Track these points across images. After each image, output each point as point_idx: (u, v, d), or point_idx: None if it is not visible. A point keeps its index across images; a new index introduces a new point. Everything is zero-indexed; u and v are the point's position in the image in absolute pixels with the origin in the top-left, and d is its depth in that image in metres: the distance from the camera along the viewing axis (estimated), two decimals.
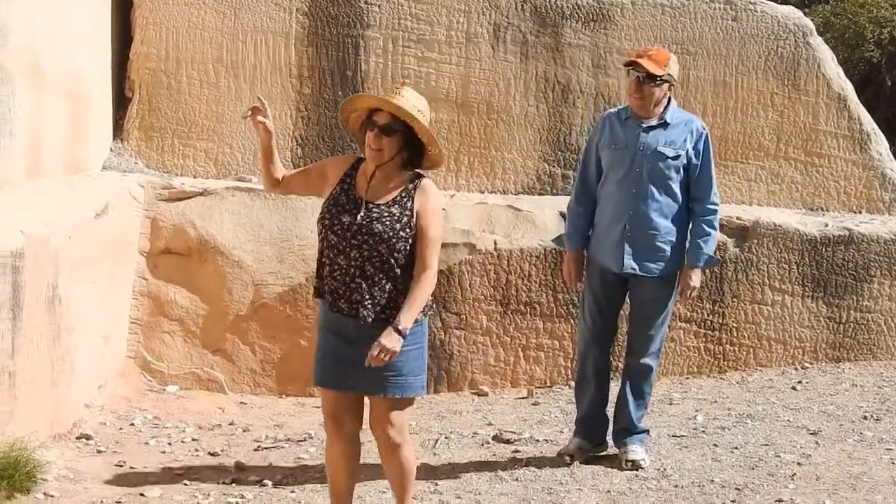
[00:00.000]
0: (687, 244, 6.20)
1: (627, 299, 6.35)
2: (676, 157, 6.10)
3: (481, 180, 8.47)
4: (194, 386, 7.73)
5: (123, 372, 7.60)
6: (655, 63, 6.00)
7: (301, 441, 6.83)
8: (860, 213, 8.67)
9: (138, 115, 8.23)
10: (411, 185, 4.77)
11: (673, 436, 6.76)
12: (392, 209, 4.70)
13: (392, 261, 4.67)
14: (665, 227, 6.12)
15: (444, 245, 7.66)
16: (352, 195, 4.77)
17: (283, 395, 7.79)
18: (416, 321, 4.71)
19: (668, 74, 6.06)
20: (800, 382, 7.85)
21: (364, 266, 4.66)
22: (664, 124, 6.14)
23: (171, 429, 6.99)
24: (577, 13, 8.49)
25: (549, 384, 7.96)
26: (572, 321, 7.79)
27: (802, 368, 8.17)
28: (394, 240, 4.65)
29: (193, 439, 6.83)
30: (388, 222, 4.66)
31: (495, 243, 7.95)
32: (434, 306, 5.36)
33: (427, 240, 4.72)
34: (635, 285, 6.21)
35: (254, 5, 8.28)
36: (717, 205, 6.24)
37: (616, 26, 8.51)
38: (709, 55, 8.57)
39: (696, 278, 6.19)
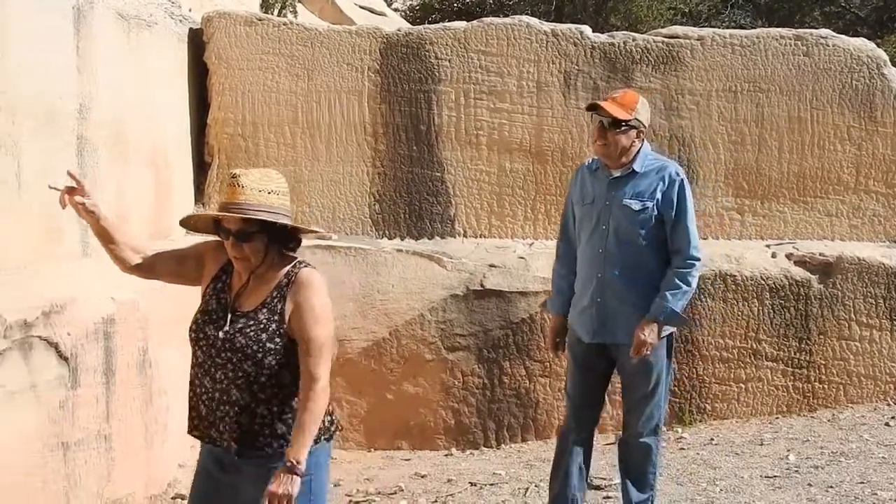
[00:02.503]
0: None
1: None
2: (643, 210, 5.37)
3: (558, 228, 8.48)
4: None
5: None
6: (620, 106, 5.38)
7: (392, 494, 6.86)
8: None
9: (218, 180, 8.39)
10: (285, 280, 3.82)
11: (766, 477, 6.68)
12: (259, 315, 3.79)
13: (263, 380, 3.74)
14: (635, 290, 5.40)
15: (524, 293, 7.81)
16: (223, 299, 3.89)
17: (372, 449, 7.84)
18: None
19: (636, 119, 5.39)
20: (893, 418, 7.72)
21: (230, 389, 3.76)
22: (632, 174, 5.44)
23: None
24: (646, 57, 8.53)
25: None
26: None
27: (895, 404, 8.04)
28: (259, 354, 3.72)
29: None
30: (251, 333, 3.75)
31: None
32: (336, 422, 4.14)
33: (307, 344, 3.75)
34: (616, 354, 5.50)
35: (326, 66, 8.42)
36: (696, 258, 5.39)
37: (686, 67, 8.53)
38: (782, 92, 8.55)
39: (649, 332, 5.30)
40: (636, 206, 5.38)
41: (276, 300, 3.78)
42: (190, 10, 8.47)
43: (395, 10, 17.67)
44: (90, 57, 6.33)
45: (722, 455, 7.16)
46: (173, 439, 6.86)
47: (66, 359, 5.41)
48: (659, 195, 5.39)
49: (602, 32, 9.03)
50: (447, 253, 8.09)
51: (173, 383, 6.82)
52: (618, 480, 6.07)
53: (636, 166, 5.44)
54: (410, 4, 18.58)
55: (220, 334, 3.77)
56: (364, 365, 7.88)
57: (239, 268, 3.84)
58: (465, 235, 8.46)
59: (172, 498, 6.66)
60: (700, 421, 7.44)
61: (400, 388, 7.87)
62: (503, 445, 7.84)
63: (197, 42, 8.40)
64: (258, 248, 3.77)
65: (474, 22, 8.64)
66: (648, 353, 5.34)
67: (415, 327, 7.88)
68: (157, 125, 7.54)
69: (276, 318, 3.76)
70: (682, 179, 5.44)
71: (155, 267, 4.04)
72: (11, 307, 4.99)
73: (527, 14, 10.59)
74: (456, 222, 8.47)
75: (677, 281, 5.34)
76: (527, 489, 6.75)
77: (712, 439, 7.53)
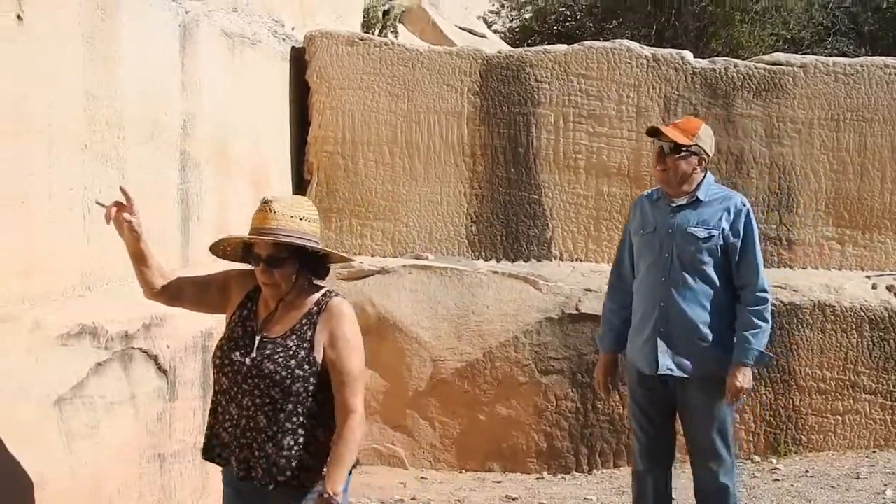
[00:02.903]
0: (735, 338, 5.25)
1: None
2: (709, 239, 5.23)
3: None
4: (376, 461, 7.84)
5: None
6: (681, 132, 5.27)
7: None
8: None
9: (317, 197, 8.45)
10: (315, 308, 3.80)
11: None
12: (288, 342, 3.76)
13: (290, 408, 3.69)
14: (702, 318, 5.24)
15: None
16: (249, 327, 3.86)
17: (463, 471, 7.83)
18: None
19: (697, 146, 5.27)
20: None
21: (257, 416, 3.72)
22: (696, 202, 5.32)
23: None
24: (748, 83, 8.44)
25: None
26: (752, 392, 7.63)
27: None
28: (288, 381, 3.68)
29: None
30: (280, 359, 3.71)
31: None
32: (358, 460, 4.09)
33: (343, 376, 3.72)
34: (678, 389, 5.31)
35: (426, 87, 8.45)
36: (766, 292, 5.25)
37: (788, 95, 8.43)
38: (885, 121, 8.41)
39: (743, 378, 5.17)
40: (701, 233, 5.26)
41: (305, 327, 3.76)
42: (293, 29, 8.57)
43: (495, 31, 17.69)
44: (195, 74, 6.43)
45: (817, 488, 7.03)
46: None
47: (164, 371, 5.48)
48: (725, 224, 5.27)
49: (703, 58, 8.97)
50: (543, 276, 8.07)
51: None
52: None
53: (700, 194, 5.33)
54: (510, 26, 18.57)
55: (248, 360, 3.73)
56: (457, 386, 7.88)
57: (267, 294, 3.82)
58: (561, 259, 8.42)
59: None
60: (795, 452, 7.32)
61: (493, 410, 7.85)
62: (595, 471, 7.77)
63: (299, 61, 8.49)
64: (288, 274, 3.76)
65: (575, 45, 8.62)
66: (742, 399, 5.27)
67: (509, 349, 7.86)
68: (258, 142, 7.63)
69: (305, 345, 3.73)
70: (748, 210, 5.33)
71: (180, 294, 4.07)
72: (113, 319, 5.06)
73: (627, 38, 10.54)
74: (552, 245, 8.44)
75: (755, 320, 5.20)
76: None
77: (807, 471, 7.40)
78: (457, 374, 7.89)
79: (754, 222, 5.34)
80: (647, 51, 8.56)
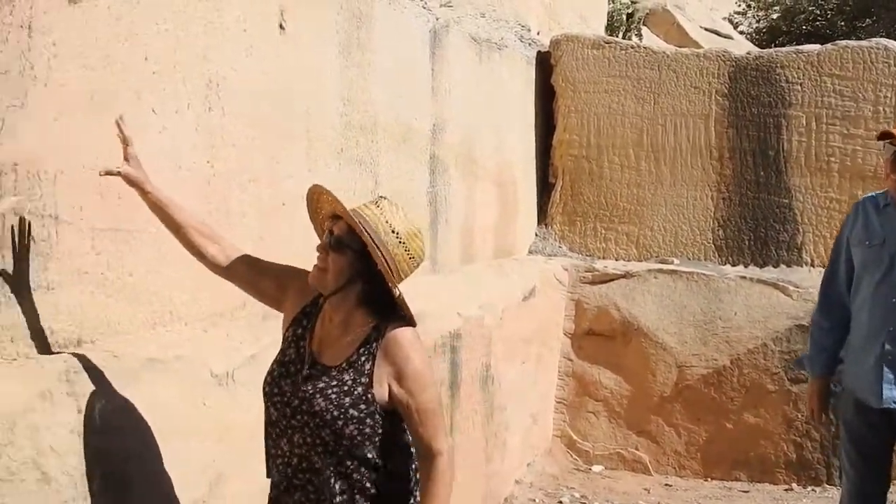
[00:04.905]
0: None
1: None
2: None
3: None
4: (619, 466, 7.80)
5: (550, 450, 7.79)
6: None
7: None
8: None
9: (561, 201, 8.47)
10: (374, 335, 3.12)
11: None
12: (344, 376, 3.10)
13: (342, 452, 3.08)
14: None
15: None
16: (302, 348, 3.21)
17: (708, 479, 7.69)
18: None
19: None
20: None
21: (310, 456, 3.11)
22: None
23: None
24: None
25: None
26: None
27: None
28: (340, 422, 3.05)
29: None
30: (333, 396, 3.08)
31: None
32: None
33: (420, 415, 3.11)
34: None
35: (673, 89, 8.36)
36: None
37: None
38: None
39: None
40: None
41: (363, 358, 3.11)
42: (538, 34, 8.61)
43: (741, 32, 17.36)
44: (444, 79, 6.54)
45: None
46: (511, 455, 6.98)
47: None
48: None
49: None
50: (793, 282, 7.86)
51: (513, 400, 6.94)
52: None
53: None
54: (756, 27, 18.20)
55: (298, 393, 3.11)
56: (703, 392, 7.75)
57: (310, 278, 3.15)
58: (812, 265, 8.18)
59: None
60: None
61: (740, 418, 7.68)
62: None
63: (544, 64, 8.53)
64: (343, 269, 3.11)
65: (828, 45, 8.35)
66: None
67: (757, 356, 7.68)
68: (503, 145, 7.70)
69: (363, 379, 3.09)
70: None
71: (234, 269, 3.38)
72: None
73: (881, 36, 10.16)
74: (803, 250, 8.20)
75: None
76: None
77: None
78: (703, 380, 7.76)
79: None
80: None
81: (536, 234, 8.52)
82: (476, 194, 7.18)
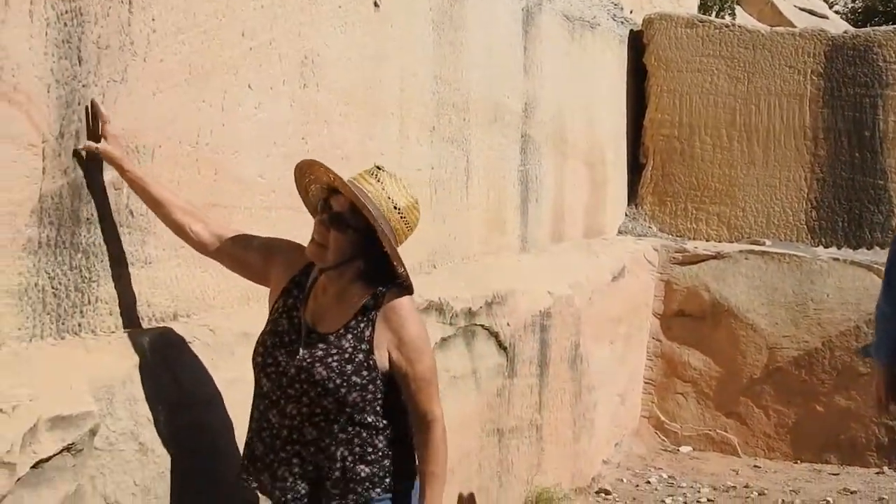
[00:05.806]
0: None
1: None
2: None
3: None
4: (707, 447, 7.77)
5: (638, 431, 7.78)
6: None
7: None
8: None
9: (652, 181, 8.44)
10: (371, 302, 3.11)
11: None
12: (343, 342, 3.07)
13: (343, 419, 3.05)
14: None
15: None
16: (295, 318, 3.15)
17: (798, 461, 7.64)
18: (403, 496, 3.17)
19: None
20: None
21: (302, 427, 3.06)
22: None
23: (685, 489, 7.02)
24: None
25: None
26: None
27: None
28: (343, 389, 3.02)
29: (709, 500, 6.83)
30: (334, 363, 3.04)
31: None
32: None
33: (417, 382, 3.11)
34: None
35: (767, 69, 8.27)
36: None
37: None
38: None
39: None
40: None
41: (362, 325, 3.09)
42: (631, 12, 8.58)
43: (836, 12, 17.09)
44: (536, 57, 6.54)
45: None
46: (598, 435, 6.99)
47: (504, 348, 5.60)
48: None
49: None
50: None
51: (601, 381, 6.94)
52: None
53: None
54: (852, 6, 17.90)
55: (295, 362, 3.06)
56: (794, 374, 7.69)
57: (309, 253, 3.10)
58: None
59: (596, 493, 6.77)
60: None
61: (831, 401, 7.61)
62: None
63: (636, 43, 8.49)
64: (343, 246, 3.05)
65: None
66: None
67: (849, 339, 7.59)
68: (593, 124, 7.69)
69: (363, 346, 3.07)
70: None
71: (220, 247, 3.26)
72: (458, 296, 5.20)
73: None
74: None
75: None
76: None
77: None
78: (793, 362, 7.69)
79: None
80: None
81: (626, 215, 8.50)
82: (566, 173, 7.18)
